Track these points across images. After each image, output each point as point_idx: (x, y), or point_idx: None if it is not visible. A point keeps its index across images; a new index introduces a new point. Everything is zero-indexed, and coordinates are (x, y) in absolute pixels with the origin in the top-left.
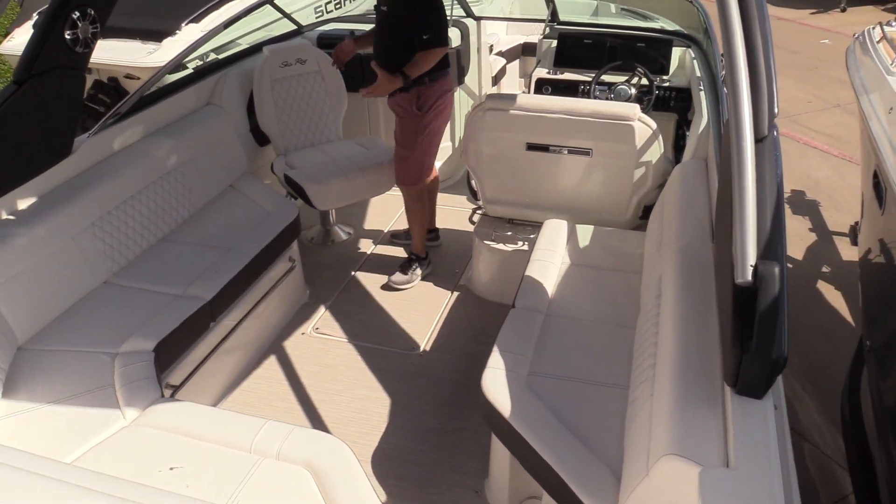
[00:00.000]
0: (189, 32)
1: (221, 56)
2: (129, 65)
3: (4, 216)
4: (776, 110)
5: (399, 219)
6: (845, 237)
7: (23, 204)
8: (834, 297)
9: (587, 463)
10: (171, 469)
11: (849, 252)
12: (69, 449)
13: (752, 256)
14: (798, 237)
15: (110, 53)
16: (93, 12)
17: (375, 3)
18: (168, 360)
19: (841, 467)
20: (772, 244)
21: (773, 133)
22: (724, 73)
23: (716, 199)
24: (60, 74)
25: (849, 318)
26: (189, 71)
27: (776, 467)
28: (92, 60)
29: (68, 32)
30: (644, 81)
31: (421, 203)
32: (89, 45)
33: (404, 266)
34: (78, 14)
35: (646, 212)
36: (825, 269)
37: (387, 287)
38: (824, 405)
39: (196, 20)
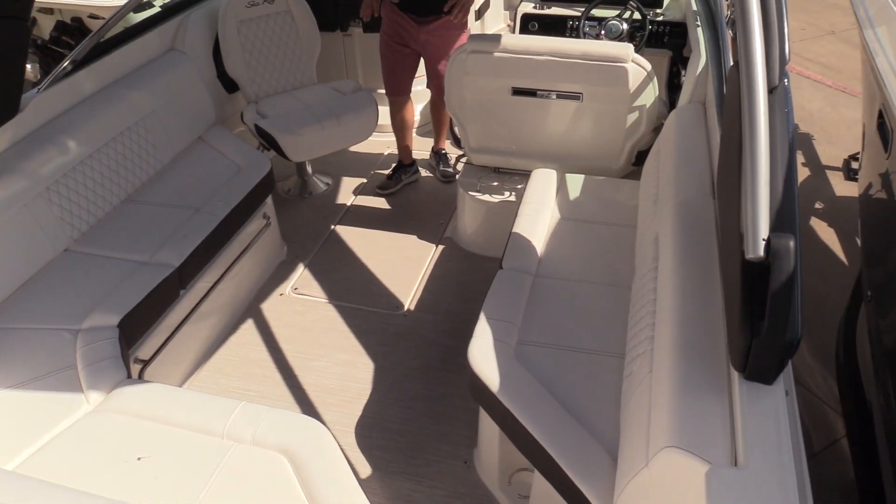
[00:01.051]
0: None
1: None
2: (91, 4)
3: None
4: (788, 56)
5: (382, 164)
6: (839, 171)
7: None
8: (827, 234)
9: (581, 442)
10: (139, 459)
11: (842, 187)
12: (30, 439)
13: (764, 229)
14: None
15: None
16: None
17: None
18: (135, 335)
19: (833, 410)
20: (785, 214)
21: (784, 82)
22: (728, 11)
23: (718, 152)
24: (0, 26)
25: (843, 256)
26: (156, 9)
27: (789, 464)
28: (53, 0)
29: None
30: (636, 16)
31: None
32: None
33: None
34: None
35: (639, 158)
36: (818, 205)
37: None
38: (817, 347)
39: None
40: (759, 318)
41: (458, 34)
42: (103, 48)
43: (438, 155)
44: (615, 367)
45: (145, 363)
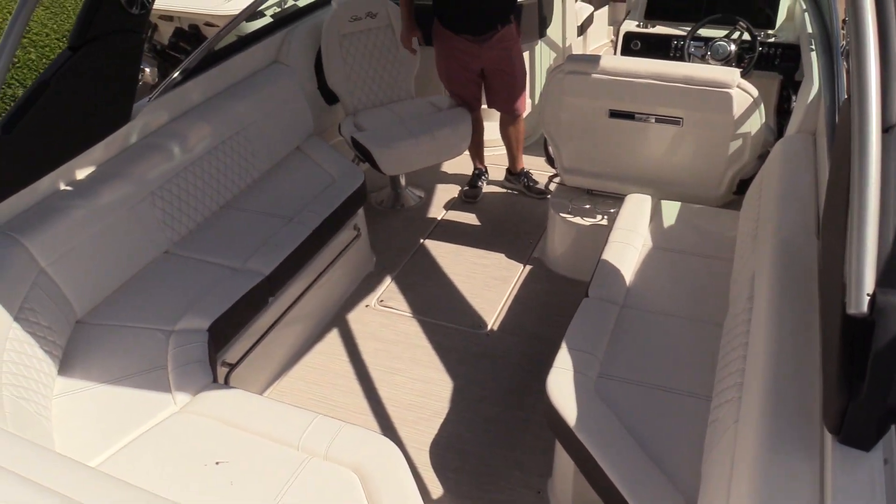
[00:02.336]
0: None
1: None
2: (206, 13)
3: (62, 187)
4: None
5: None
6: None
7: (81, 174)
8: None
9: (658, 488)
10: (217, 464)
11: None
12: (119, 434)
13: (869, 283)
14: None
15: (188, 2)
16: None
17: None
18: (223, 339)
19: None
20: (894, 266)
21: None
22: (844, 35)
23: (825, 189)
24: (116, 38)
25: None
26: (268, 19)
27: None
28: (172, 8)
29: None
30: (746, 37)
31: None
32: (146, 5)
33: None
34: None
35: (741, 186)
36: None
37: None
38: None
39: None
40: (859, 378)
41: (516, 44)
42: (212, 59)
43: (521, 175)
44: (700, 409)
45: (232, 367)
